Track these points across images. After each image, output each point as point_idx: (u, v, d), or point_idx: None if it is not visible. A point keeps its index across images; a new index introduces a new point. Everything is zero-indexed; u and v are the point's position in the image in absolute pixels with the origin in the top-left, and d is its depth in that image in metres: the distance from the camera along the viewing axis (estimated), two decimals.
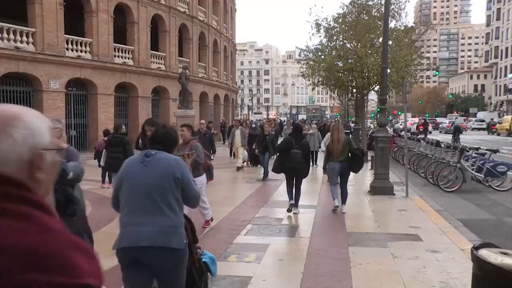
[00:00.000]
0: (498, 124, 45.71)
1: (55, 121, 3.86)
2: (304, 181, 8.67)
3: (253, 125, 18.33)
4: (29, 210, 0.94)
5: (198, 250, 3.51)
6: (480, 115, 63.84)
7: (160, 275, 3.11)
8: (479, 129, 53.19)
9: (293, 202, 8.36)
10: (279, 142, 11.44)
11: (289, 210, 8.22)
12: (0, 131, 0.98)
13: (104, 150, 10.32)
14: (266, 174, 12.95)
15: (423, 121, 41.65)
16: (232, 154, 18.94)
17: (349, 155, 8.48)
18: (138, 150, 7.04)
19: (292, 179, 8.38)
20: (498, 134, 42.95)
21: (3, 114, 1.02)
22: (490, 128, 48.28)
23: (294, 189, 8.38)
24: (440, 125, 55.63)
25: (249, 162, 16.92)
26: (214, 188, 11.26)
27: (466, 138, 31.03)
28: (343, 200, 8.53)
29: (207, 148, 10.81)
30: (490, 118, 55.51)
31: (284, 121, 47.56)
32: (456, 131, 28.97)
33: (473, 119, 62.65)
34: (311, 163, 15.94)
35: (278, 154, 8.95)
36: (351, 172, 8.95)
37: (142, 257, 3.00)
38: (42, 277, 0.86)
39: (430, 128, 48.29)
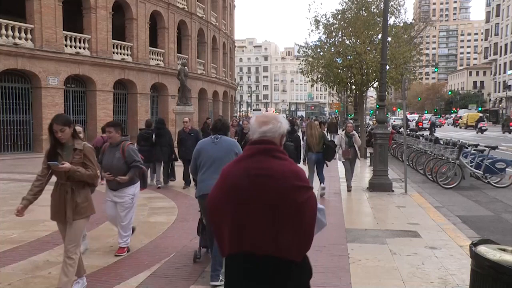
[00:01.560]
0: (460, 119, 58.74)
1: None
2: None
3: (241, 122, 16.66)
4: (285, 156, 2.30)
5: None
6: (461, 112, 70.67)
7: None
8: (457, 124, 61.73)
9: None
10: None
11: None
12: (276, 121, 2.33)
13: (136, 144, 11.38)
14: None
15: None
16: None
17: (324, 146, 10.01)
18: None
19: None
20: (460, 127, 54.49)
21: (273, 115, 2.41)
22: (454, 122, 62.31)
23: None
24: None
25: None
26: None
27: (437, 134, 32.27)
28: (321, 181, 9.98)
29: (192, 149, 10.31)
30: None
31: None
32: (432, 126, 36.64)
33: (453, 115, 73.39)
34: None
35: None
36: (353, 170, 10.67)
37: None
38: (298, 182, 2.20)
39: (427, 124, 49.35)
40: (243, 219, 2.22)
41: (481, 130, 40.54)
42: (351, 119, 37.55)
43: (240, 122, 18.42)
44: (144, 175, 5.98)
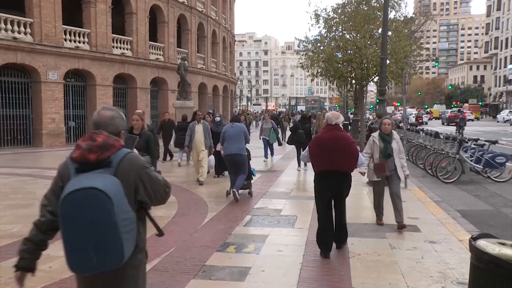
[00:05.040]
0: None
1: None
2: (303, 171, 11.37)
3: (218, 118, 12.92)
4: (343, 130, 5.67)
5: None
6: (440, 107, 77.03)
7: (238, 165, 8.65)
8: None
9: (302, 165, 13.23)
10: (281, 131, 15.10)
11: (298, 170, 13.11)
12: (340, 117, 5.60)
13: (174, 133, 14.96)
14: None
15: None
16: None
17: None
18: None
19: (299, 148, 12.95)
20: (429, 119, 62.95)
21: (338, 113, 5.69)
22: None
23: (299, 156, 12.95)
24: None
25: (215, 173, 11.91)
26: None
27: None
28: None
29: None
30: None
31: (280, 113, 47.37)
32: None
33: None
34: None
35: (290, 132, 13.86)
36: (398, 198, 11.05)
37: (233, 157, 8.64)
38: (350, 140, 5.51)
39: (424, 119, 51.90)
40: (329, 156, 5.24)
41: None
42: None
43: (217, 118, 17.97)
44: None
